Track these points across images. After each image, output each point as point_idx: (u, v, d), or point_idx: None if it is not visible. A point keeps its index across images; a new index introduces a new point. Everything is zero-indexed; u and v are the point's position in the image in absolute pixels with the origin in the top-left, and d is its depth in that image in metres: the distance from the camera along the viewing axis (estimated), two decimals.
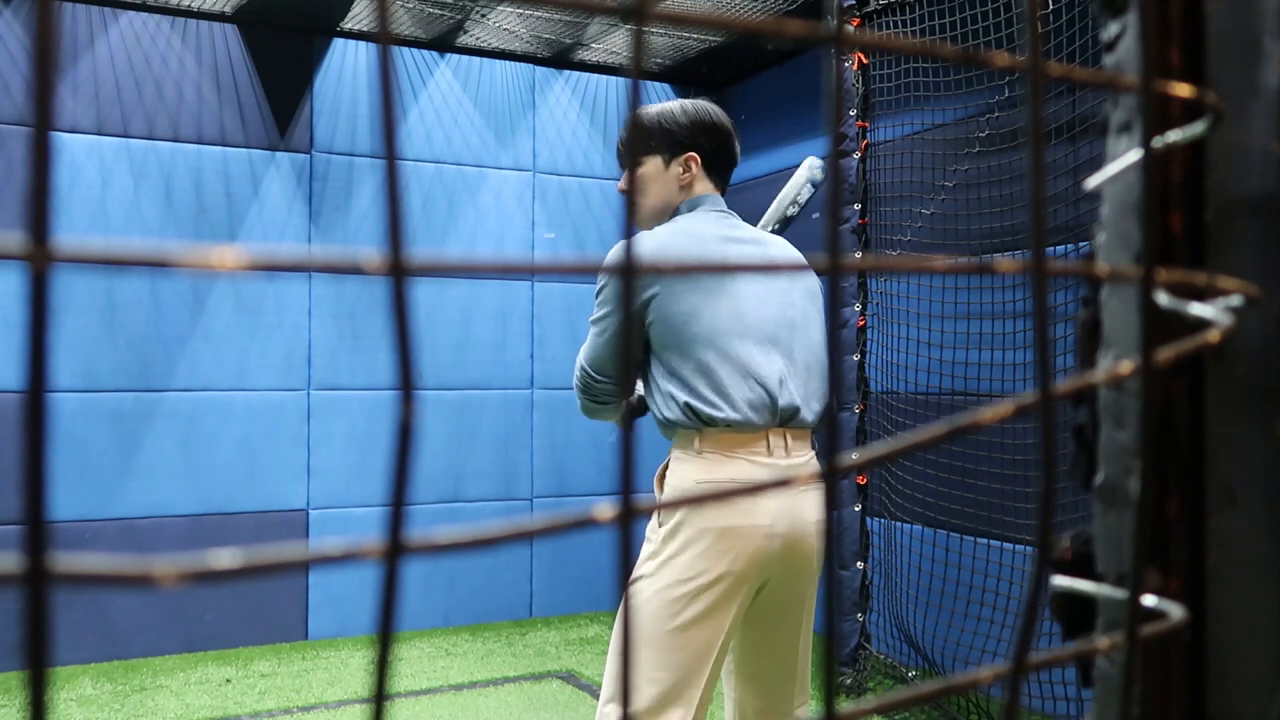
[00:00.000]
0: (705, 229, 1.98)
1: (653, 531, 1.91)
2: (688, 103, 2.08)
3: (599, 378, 1.98)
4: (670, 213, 2.06)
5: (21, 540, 0.21)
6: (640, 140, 2.07)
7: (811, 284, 2.07)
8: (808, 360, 1.96)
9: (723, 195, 2.09)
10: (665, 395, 1.90)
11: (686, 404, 1.87)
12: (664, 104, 2.07)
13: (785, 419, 1.89)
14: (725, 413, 1.85)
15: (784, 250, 2.08)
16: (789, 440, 1.90)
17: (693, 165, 2.03)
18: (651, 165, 2.05)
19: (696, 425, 1.87)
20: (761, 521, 1.84)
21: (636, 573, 1.91)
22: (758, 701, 1.99)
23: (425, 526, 4.28)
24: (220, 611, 4.17)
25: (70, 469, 3.95)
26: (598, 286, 2.00)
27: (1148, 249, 0.35)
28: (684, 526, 1.84)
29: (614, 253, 1.96)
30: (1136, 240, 0.42)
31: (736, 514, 1.83)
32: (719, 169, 2.07)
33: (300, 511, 4.33)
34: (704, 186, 2.05)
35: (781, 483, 0.30)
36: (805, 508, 1.90)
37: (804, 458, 1.94)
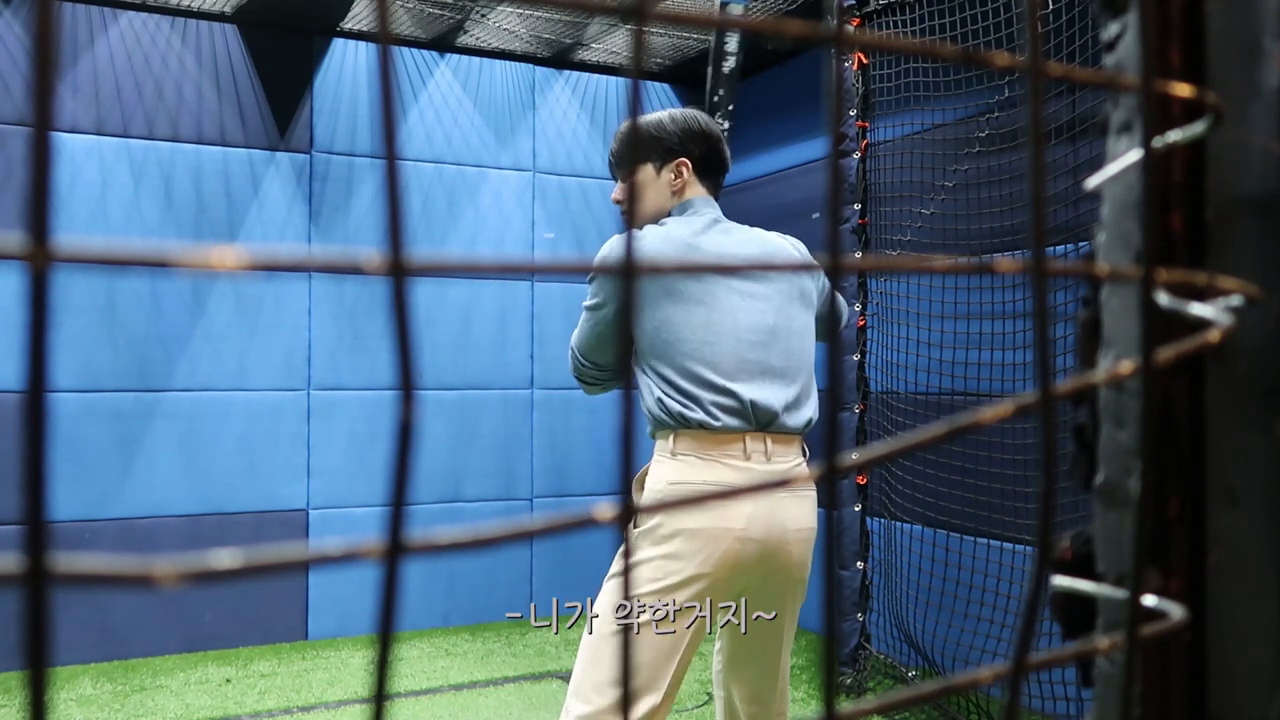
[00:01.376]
0: (683, 230, 2.00)
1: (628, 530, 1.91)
2: (676, 111, 2.11)
3: (586, 363, 2.04)
4: (664, 217, 2.08)
5: (21, 540, 0.21)
6: (633, 149, 2.10)
7: (804, 284, 2.05)
8: (789, 365, 1.94)
9: (716, 199, 2.10)
10: (646, 388, 1.94)
11: (659, 400, 1.89)
12: (653, 114, 2.11)
13: (763, 424, 1.88)
14: (698, 414, 1.86)
15: (777, 249, 2.07)
16: (769, 445, 1.89)
17: (684, 171, 2.05)
18: (643, 174, 2.09)
19: (672, 423, 1.88)
20: (734, 525, 1.83)
21: (611, 570, 1.94)
22: (745, 706, 2.01)
23: (425, 526, 4.28)
24: (220, 611, 4.17)
25: (70, 469, 3.95)
26: (589, 276, 2.03)
27: (1148, 249, 0.35)
28: (657, 528, 1.84)
29: (605, 249, 1.99)
30: (1136, 240, 0.41)
31: (707, 515, 1.83)
32: (710, 174, 2.09)
33: (300, 511, 4.33)
34: (695, 191, 2.07)
35: (779, 484, 0.30)
36: (787, 514, 1.89)
37: (788, 464, 1.92)
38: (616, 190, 2.21)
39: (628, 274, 0.27)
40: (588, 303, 2.00)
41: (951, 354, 3.39)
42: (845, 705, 0.29)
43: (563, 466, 4.82)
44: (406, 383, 0.25)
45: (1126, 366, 0.36)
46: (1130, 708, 0.37)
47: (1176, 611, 0.39)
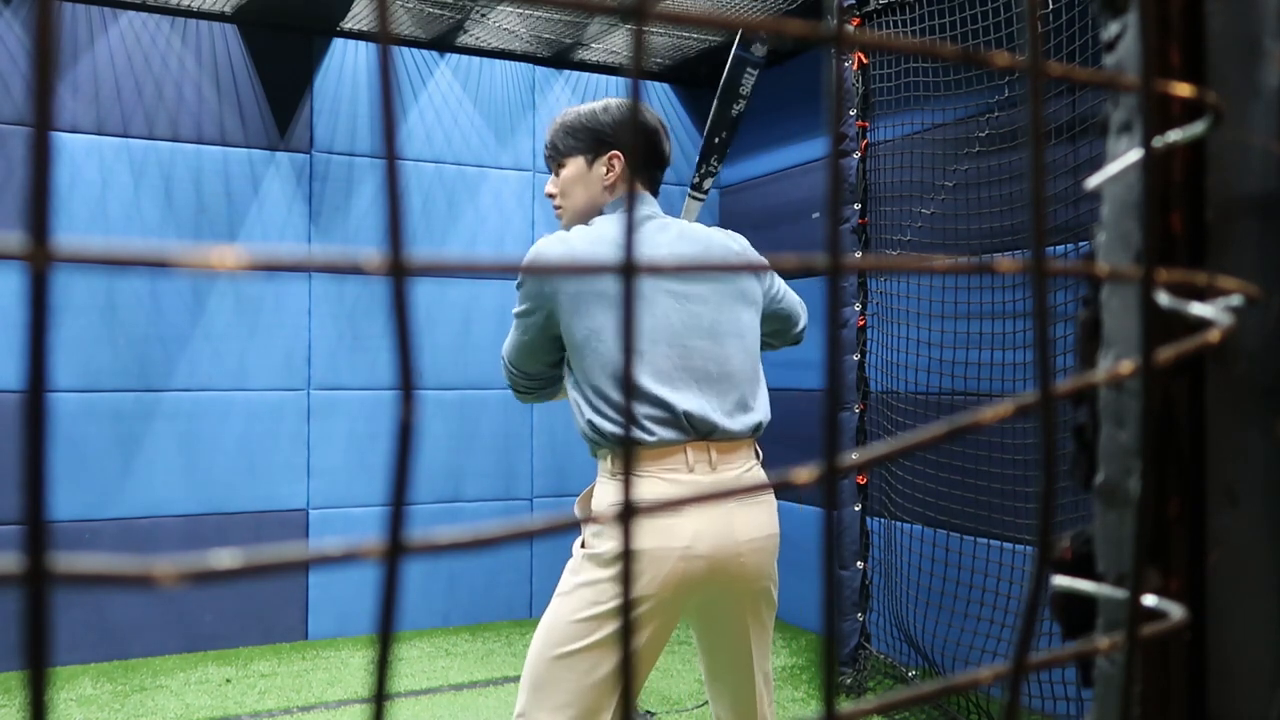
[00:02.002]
0: (614, 229, 1.88)
1: (576, 549, 1.82)
2: (612, 101, 2.03)
3: (516, 371, 1.94)
4: (597, 211, 1.98)
5: (21, 540, 0.21)
6: (560, 141, 1.99)
7: (745, 284, 1.94)
8: (728, 369, 1.84)
9: (654, 194, 2.00)
10: (575, 405, 1.85)
11: (590, 421, 1.81)
12: (589, 103, 2.02)
13: (703, 433, 1.79)
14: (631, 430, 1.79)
15: (717, 245, 1.96)
16: (714, 454, 1.80)
17: (616, 164, 1.95)
18: (574, 166, 1.98)
19: (606, 443, 1.80)
20: (676, 543, 1.74)
21: (558, 589, 1.83)
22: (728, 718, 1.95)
23: (425, 526, 4.28)
24: (220, 611, 4.17)
25: (70, 469, 3.95)
26: (516, 281, 1.90)
27: (1148, 249, 0.35)
28: (601, 551, 1.76)
29: (533, 251, 1.90)
30: (1137, 240, 0.41)
31: (650, 535, 1.74)
32: (647, 168, 1.97)
33: (300, 511, 4.33)
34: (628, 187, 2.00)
35: (772, 486, 0.30)
36: (737, 525, 1.79)
37: (736, 470, 1.83)
38: (549, 184, 2.07)
39: (628, 273, 0.27)
40: (516, 309, 1.88)
41: (951, 354, 3.39)
42: (845, 705, 0.29)
43: (563, 466, 4.82)
44: (406, 383, 0.25)
45: (1126, 366, 0.36)
46: (1130, 708, 0.37)
47: (1176, 611, 0.39)
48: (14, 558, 0.21)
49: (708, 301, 1.87)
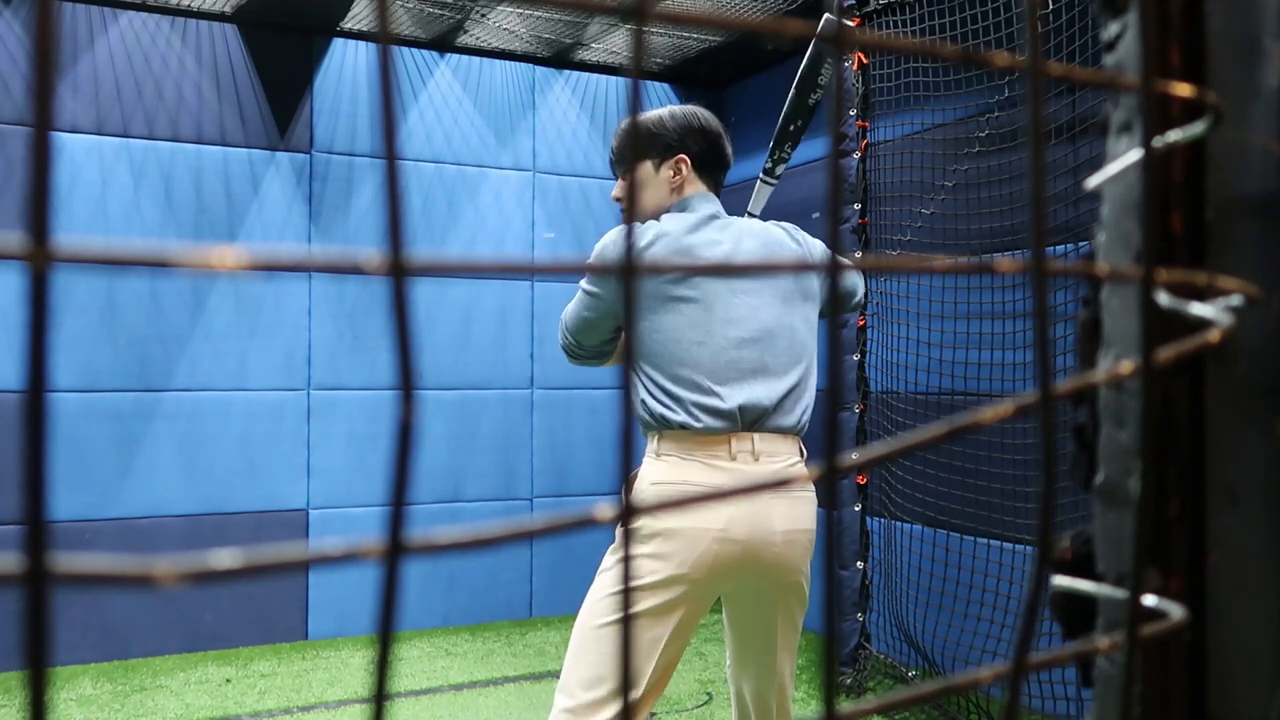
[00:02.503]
0: (676, 227, 1.97)
1: (617, 530, 1.91)
2: (676, 108, 2.10)
3: (573, 340, 2.03)
4: (664, 211, 2.06)
5: (21, 540, 0.21)
6: (629, 148, 2.02)
7: (806, 281, 2.01)
8: (784, 362, 1.92)
9: (718, 195, 2.09)
10: (634, 387, 1.91)
11: (643, 401, 1.89)
12: (654, 110, 2.09)
13: (749, 423, 1.86)
14: (679, 415, 1.85)
15: (775, 241, 2.03)
16: (756, 444, 1.86)
17: (683, 168, 2.04)
18: (643, 171, 2.07)
19: (655, 424, 1.88)
20: (712, 525, 1.81)
21: (601, 565, 1.93)
22: (751, 702, 2.02)
23: (425, 526, 4.28)
24: (220, 611, 4.17)
25: (70, 469, 3.95)
26: (592, 257, 2.03)
27: (1148, 249, 0.35)
28: (639, 528, 1.82)
29: (606, 241, 1.98)
30: (1137, 240, 0.41)
31: (686, 516, 1.80)
32: (710, 170, 2.08)
33: (300, 511, 4.33)
34: (695, 188, 2.06)
35: (769, 486, 0.30)
36: (774, 516, 1.85)
37: (779, 464, 1.89)
38: (617, 188, 2.19)
39: (629, 273, 0.27)
40: (586, 286, 1.98)
41: (951, 354, 3.39)
42: (845, 705, 0.29)
43: (563, 466, 4.82)
44: (406, 383, 0.25)
45: (1126, 366, 0.36)
46: (1130, 708, 0.37)
47: (1176, 611, 0.39)
48: (14, 558, 0.21)
49: (763, 294, 1.95)
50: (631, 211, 0.28)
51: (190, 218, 4.20)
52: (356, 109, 4.49)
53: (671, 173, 2.04)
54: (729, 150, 2.13)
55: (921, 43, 0.31)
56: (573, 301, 2.01)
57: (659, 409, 1.86)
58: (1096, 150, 1.85)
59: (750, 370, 1.89)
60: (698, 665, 4.02)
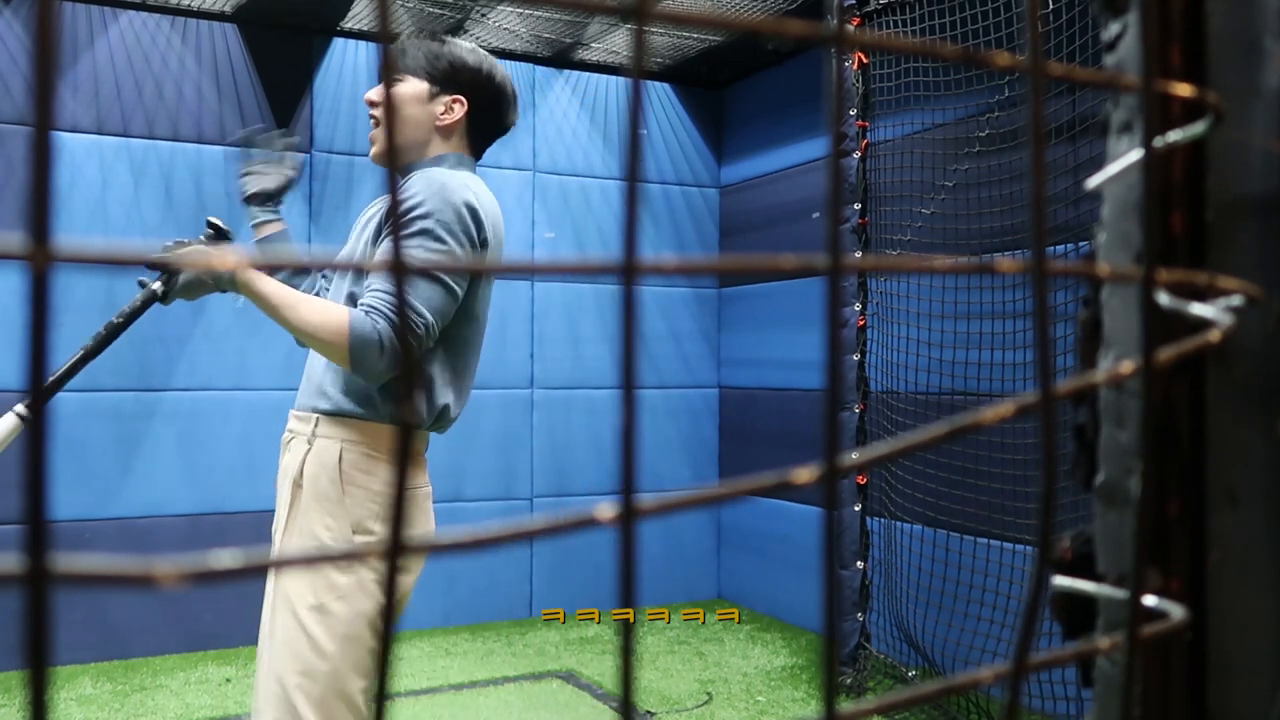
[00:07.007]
0: (481, 189, 1.75)
1: (339, 539, 1.64)
2: (485, 53, 1.85)
3: (436, 329, 1.66)
4: (416, 151, 1.80)
5: (21, 540, 0.21)
6: (413, 54, 1.82)
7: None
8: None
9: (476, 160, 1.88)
10: (428, 381, 1.70)
11: (446, 406, 1.73)
12: (467, 42, 1.86)
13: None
14: (457, 408, 1.76)
15: None
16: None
17: (457, 108, 1.79)
18: (414, 87, 1.79)
19: (423, 423, 1.72)
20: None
21: (328, 592, 1.61)
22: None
23: None
24: (220, 611, 4.17)
25: (70, 469, 3.95)
26: (424, 210, 1.62)
27: (1148, 249, 0.35)
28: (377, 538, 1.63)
29: (469, 195, 1.69)
30: (1137, 240, 0.41)
31: (425, 525, 1.71)
32: (483, 131, 1.84)
33: None
34: (460, 145, 1.80)
35: (772, 486, 0.30)
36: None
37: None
38: (375, 90, 1.92)
39: (627, 272, 0.27)
40: (437, 247, 1.62)
41: (951, 354, 3.39)
42: (845, 705, 0.29)
43: (563, 466, 4.82)
44: (407, 383, 0.25)
45: (1127, 366, 0.36)
46: (1130, 708, 0.37)
47: (1177, 611, 0.39)
48: (14, 558, 0.21)
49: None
50: (633, 213, 0.28)
51: (190, 217, 4.19)
52: (356, 109, 4.49)
53: (442, 109, 1.79)
54: (511, 121, 1.87)
55: (921, 43, 0.31)
56: (427, 285, 1.61)
57: (452, 415, 1.77)
58: (1096, 150, 1.85)
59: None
60: (697, 665, 4.02)
